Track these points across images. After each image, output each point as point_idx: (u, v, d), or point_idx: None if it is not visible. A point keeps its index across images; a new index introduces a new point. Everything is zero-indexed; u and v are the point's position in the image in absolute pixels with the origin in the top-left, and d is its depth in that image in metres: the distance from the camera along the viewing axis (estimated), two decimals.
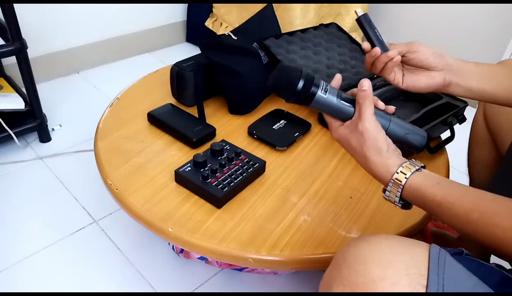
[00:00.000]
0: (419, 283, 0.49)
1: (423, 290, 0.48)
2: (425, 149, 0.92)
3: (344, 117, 0.64)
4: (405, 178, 0.59)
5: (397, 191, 0.60)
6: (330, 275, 0.55)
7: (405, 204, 0.61)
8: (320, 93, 0.62)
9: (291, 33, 1.19)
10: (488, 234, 0.52)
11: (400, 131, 0.66)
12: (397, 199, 0.60)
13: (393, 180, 0.59)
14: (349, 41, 1.27)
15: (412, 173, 0.59)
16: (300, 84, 0.61)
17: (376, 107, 0.65)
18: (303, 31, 1.22)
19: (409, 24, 1.96)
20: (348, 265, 0.53)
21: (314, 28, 1.25)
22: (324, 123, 1.02)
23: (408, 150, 0.68)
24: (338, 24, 1.32)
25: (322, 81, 0.63)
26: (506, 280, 0.52)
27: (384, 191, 0.62)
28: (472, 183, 0.99)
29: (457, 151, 1.08)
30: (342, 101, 0.63)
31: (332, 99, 0.63)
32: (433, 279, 0.49)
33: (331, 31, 1.28)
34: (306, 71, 0.63)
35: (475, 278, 0.50)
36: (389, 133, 0.65)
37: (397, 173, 0.59)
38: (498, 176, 0.82)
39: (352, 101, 0.64)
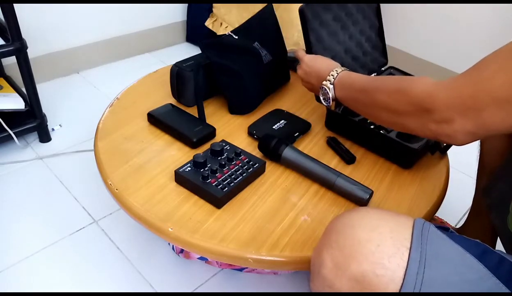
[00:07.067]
0: (403, 244, 0.53)
1: (406, 252, 0.52)
2: (438, 151, 0.99)
3: None
4: (337, 72, 0.82)
5: (332, 78, 0.82)
6: (321, 242, 0.60)
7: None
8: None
9: None
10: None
11: (346, 185, 0.82)
12: (331, 86, 0.82)
13: (330, 75, 0.82)
14: (375, 16, 1.18)
15: (342, 70, 0.83)
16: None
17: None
18: None
19: (409, 24, 1.96)
20: (337, 231, 0.57)
21: None
22: (331, 127, 1.03)
23: (354, 202, 0.82)
24: None
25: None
26: (488, 251, 0.56)
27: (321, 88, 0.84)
28: (483, 170, 0.98)
29: (457, 151, 1.07)
30: None
31: None
32: (416, 242, 0.53)
33: None
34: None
35: (457, 245, 0.54)
36: (336, 186, 0.83)
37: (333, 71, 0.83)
38: (508, 162, 0.81)
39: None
